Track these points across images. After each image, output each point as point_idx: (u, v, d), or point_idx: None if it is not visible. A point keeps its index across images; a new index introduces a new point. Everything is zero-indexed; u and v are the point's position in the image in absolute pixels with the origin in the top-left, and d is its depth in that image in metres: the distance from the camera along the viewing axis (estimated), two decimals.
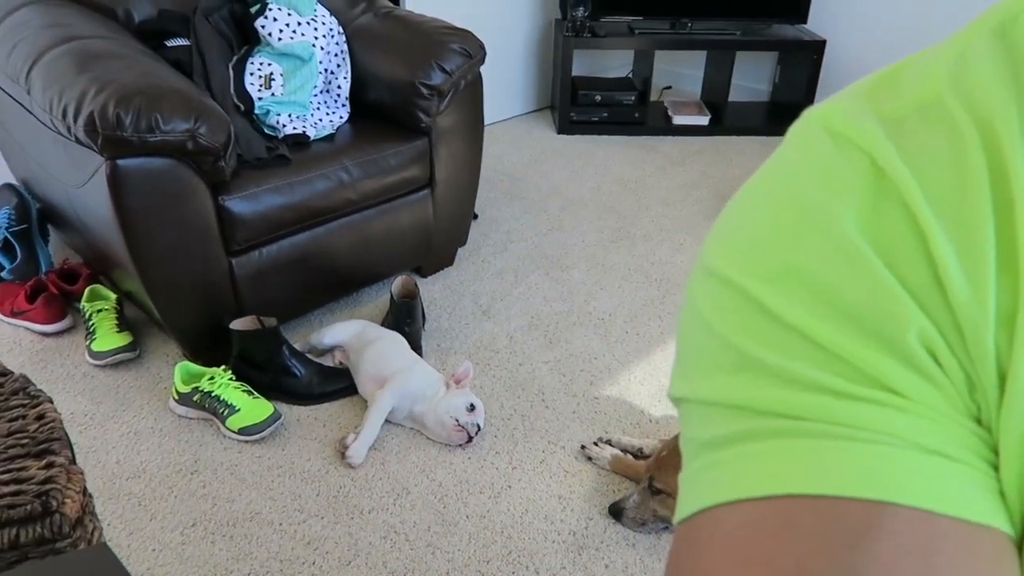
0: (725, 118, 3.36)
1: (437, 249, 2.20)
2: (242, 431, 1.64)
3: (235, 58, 1.91)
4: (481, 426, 1.65)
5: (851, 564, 0.27)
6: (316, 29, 1.93)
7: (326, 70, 1.98)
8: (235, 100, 1.87)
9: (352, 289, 2.11)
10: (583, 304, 2.17)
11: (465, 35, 1.98)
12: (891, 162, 0.30)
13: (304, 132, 1.88)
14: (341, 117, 2.00)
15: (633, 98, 3.29)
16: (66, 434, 0.92)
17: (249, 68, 1.90)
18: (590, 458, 1.63)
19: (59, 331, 1.97)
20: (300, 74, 1.92)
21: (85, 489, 0.86)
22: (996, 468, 0.28)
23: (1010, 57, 0.30)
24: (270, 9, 1.87)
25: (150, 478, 1.56)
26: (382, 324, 1.97)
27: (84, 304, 1.93)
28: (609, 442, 1.66)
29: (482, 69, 2.04)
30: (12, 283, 2.04)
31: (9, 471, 0.86)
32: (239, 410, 1.65)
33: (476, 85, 2.04)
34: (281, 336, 1.76)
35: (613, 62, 3.81)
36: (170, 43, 1.88)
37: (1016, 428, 0.27)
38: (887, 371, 0.29)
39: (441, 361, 1.93)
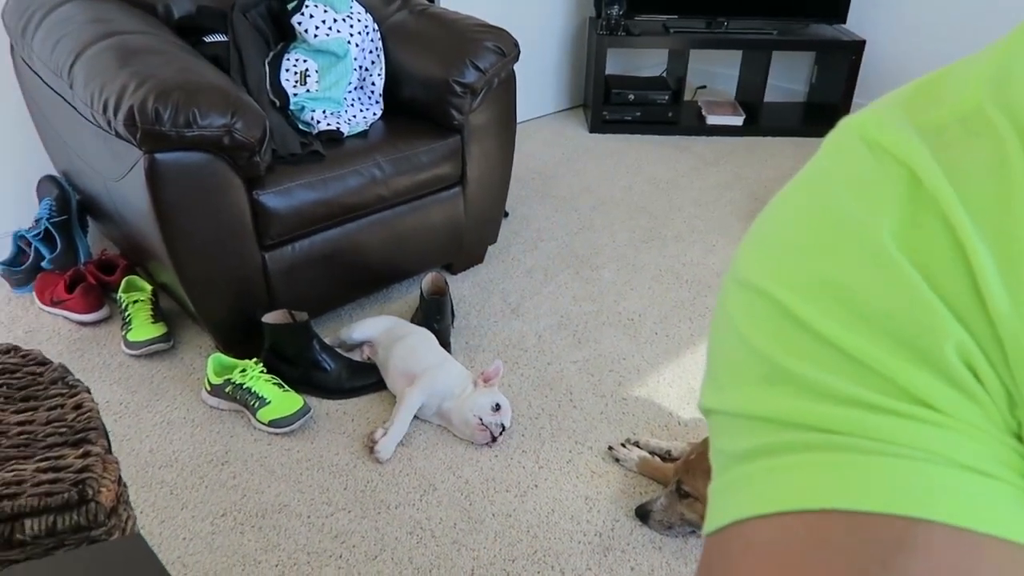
0: (760, 119, 3.33)
1: (467, 247, 2.21)
2: (272, 423, 1.66)
3: (271, 54, 1.93)
4: (507, 426, 1.66)
5: None
6: (352, 26, 1.94)
7: (361, 67, 1.99)
8: (271, 96, 1.89)
9: (382, 285, 2.12)
10: (613, 304, 2.17)
11: (499, 33, 1.98)
12: (929, 172, 0.29)
13: (338, 128, 1.89)
14: (375, 114, 2.01)
15: (667, 97, 3.27)
16: (102, 423, 0.94)
17: (285, 64, 1.91)
18: (617, 459, 1.63)
19: (96, 321, 2.01)
20: (335, 71, 1.94)
21: (120, 478, 0.88)
22: None
23: None
24: (307, 6, 1.89)
25: (182, 467, 1.59)
26: (411, 321, 1.97)
27: (121, 295, 1.97)
28: (637, 444, 1.66)
29: (515, 67, 2.03)
30: (52, 273, 2.09)
31: (47, 459, 0.88)
32: (269, 402, 1.67)
33: (509, 83, 2.04)
34: (312, 330, 1.78)
35: (647, 61, 3.79)
36: (208, 39, 1.90)
37: None
38: (923, 385, 0.28)
39: (469, 359, 1.93)
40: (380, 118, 2.03)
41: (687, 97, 3.58)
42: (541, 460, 1.64)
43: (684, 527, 1.44)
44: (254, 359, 1.75)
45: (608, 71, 3.35)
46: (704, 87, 3.78)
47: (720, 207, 2.72)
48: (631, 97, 3.26)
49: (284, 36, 1.96)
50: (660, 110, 3.28)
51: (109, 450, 0.92)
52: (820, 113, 3.37)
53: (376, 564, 1.40)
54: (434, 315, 1.93)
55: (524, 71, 3.22)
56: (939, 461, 0.27)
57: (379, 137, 1.95)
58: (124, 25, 1.73)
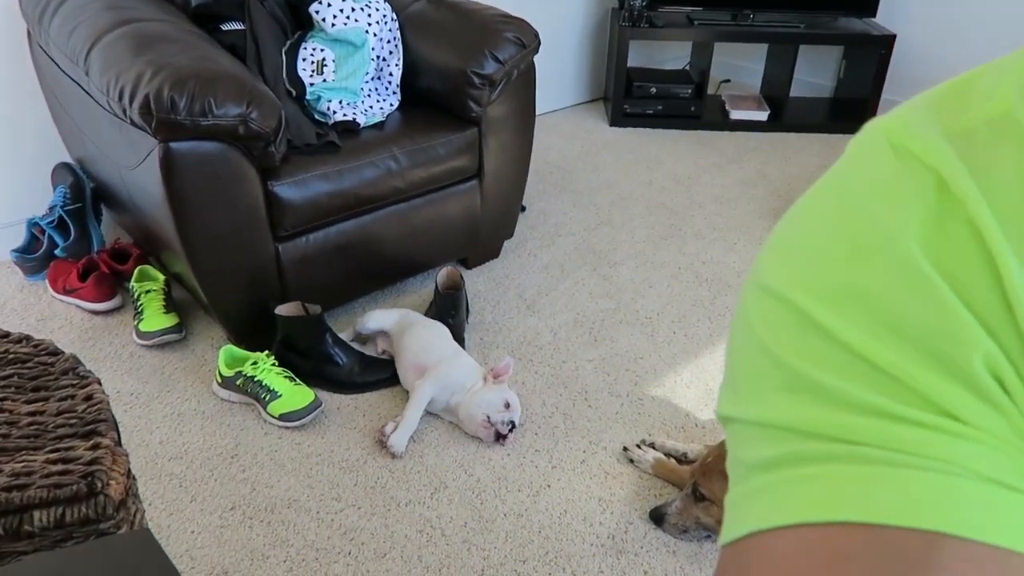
0: (785, 114, 3.30)
1: (483, 241, 2.21)
2: (283, 417, 1.67)
3: (288, 43, 1.94)
4: (516, 423, 1.65)
5: None
6: (370, 15, 1.94)
7: (378, 57, 1.99)
8: (287, 85, 1.90)
9: (397, 278, 2.13)
10: (630, 302, 2.16)
11: (520, 24, 1.98)
12: (957, 178, 0.29)
13: (354, 119, 1.90)
14: (391, 104, 2.01)
15: (689, 91, 3.25)
16: (113, 416, 0.95)
17: (302, 53, 1.92)
18: (632, 460, 1.62)
19: (108, 310, 2.03)
20: (352, 60, 1.94)
21: (129, 471, 0.88)
22: None
23: None
24: None
25: (191, 460, 1.60)
26: (425, 315, 1.98)
27: (133, 284, 1.98)
28: (652, 445, 1.65)
29: (535, 58, 2.03)
30: (65, 261, 2.11)
31: (57, 450, 0.89)
32: (280, 396, 1.68)
33: (529, 75, 2.03)
34: (325, 323, 1.79)
35: (670, 54, 3.77)
36: (225, 27, 1.91)
37: None
38: (949, 396, 0.28)
39: (483, 355, 1.93)
40: (397, 109, 2.03)
41: (710, 91, 3.56)
42: (554, 460, 1.64)
43: (699, 531, 1.43)
44: (266, 352, 1.76)
45: (630, 64, 3.33)
46: (728, 81, 3.75)
47: (742, 205, 2.70)
48: (653, 90, 3.25)
49: (301, 25, 1.97)
50: (682, 104, 3.26)
51: (119, 442, 0.92)
52: (848, 109, 3.34)
53: (385, 562, 1.40)
54: (448, 310, 1.93)
55: (544, 63, 3.21)
56: (965, 474, 0.27)
57: (396, 128, 1.95)
58: (141, 12, 1.74)
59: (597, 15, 3.38)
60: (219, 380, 1.75)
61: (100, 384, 1.00)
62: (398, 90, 2.04)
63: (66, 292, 2.04)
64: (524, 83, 2.03)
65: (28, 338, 1.07)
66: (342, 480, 1.57)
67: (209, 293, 1.73)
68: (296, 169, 1.72)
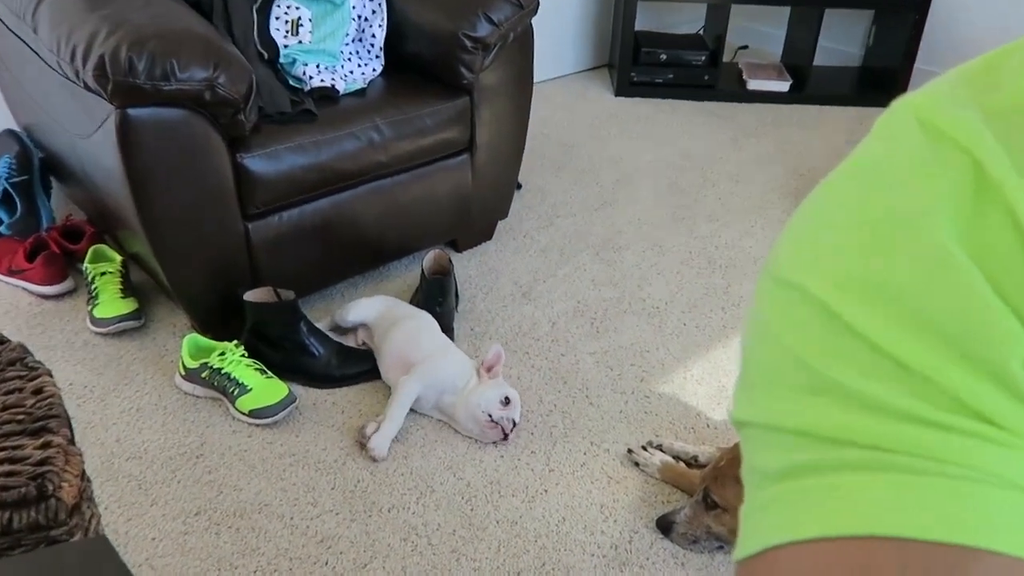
0: (808, 84, 3.29)
1: (475, 221, 2.20)
2: (253, 413, 1.67)
3: (260, 0, 1.93)
4: (517, 421, 1.66)
5: None
6: None
7: (359, 16, 1.98)
8: (258, 47, 1.89)
9: (379, 262, 2.12)
10: (636, 290, 2.16)
11: None
12: (994, 160, 0.29)
13: (333, 85, 1.89)
14: (374, 70, 2.00)
15: (703, 58, 3.24)
16: (65, 411, 0.95)
17: (275, 12, 1.90)
18: (637, 464, 1.63)
19: (59, 294, 2.02)
20: (331, 20, 1.93)
21: (84, 472, 0.88)
22: None
23: None
24: None
25: (152, 460, 1.60)
26: (410, 302, 1.98)
27: (87, 265, 1.97)
28: (660, 447, 1.66)
29: (533, 20, 2.02)
30: (11, 239, 2.09)
31: (3, 450, 0.88)
32: (250, 390, 1.68)
33: (526, 38, 2.02)
34: (299, 311, 1.79)
35: (682, 16, 3.75)
36: None
37: None
38: (985, 398, 0.28)
39: (474, 347, 1.93)
40: (380, 75, 2.02)
41: (726, 58, 3.54)
42: (552, 462, 1.64)
43: (711, 541, 1.44)
44: (234, 341, 1.75)
45: (638, 27, 3.32)
46: (746, 47, 3.75)
47: (760, 184, 2.70)
48: (663, 57, 3.24)
49: None
50: (695, 72, 3.25)
51: (72, 441, 0.92)
52: (877, 80, 3.34)
53: (366, 573, 1.41)
54: (436, 297, 1.93)
55: (543, 25, 3.18)
56: (1000, 483, 0.27)
57: (379, 96, 1.94)
58: None
59: None
60: (182, 372, 1.75)
61: (51, 376, 1.00)
62: (381, 54, 2.03)
63: (12, 274, 2.03)
64: (521, 47, 2.02)
65: None
66: (318, 483, 1.57)
67: (171, 276, 1.72)
68: (268, 140, 1.71)
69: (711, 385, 1.85)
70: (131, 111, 1.50)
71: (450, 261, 2.01)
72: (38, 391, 0.96)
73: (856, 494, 0.29)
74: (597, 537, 1.49)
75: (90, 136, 1.65)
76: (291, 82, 1.89)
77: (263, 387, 1.69)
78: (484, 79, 1.98)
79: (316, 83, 1.88)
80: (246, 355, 1.74)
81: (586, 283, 2.18)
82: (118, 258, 1.99)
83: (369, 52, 2.02)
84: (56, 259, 2.02)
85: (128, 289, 1.95)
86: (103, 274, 1.94)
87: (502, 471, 1.61)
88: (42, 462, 0.87)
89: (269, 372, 1.74)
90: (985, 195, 0.29)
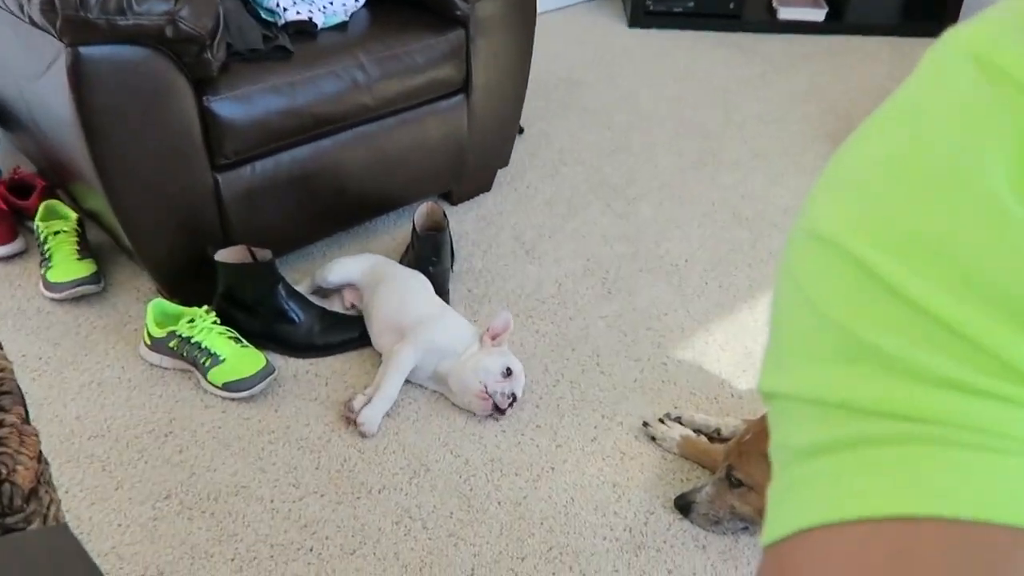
0: (847, 12, 3.26)
1: (472, 170, 2.19)
2: (227, 386, 1.67)
3: None
4: (518, 396, 1.66)
5: None
6: None
7: None
8: None
9: (365, 217, 2.12)
10: (652, 246, 2.16)
11: None
12: None
13: (310, 18, 1.87)
14: (356, 1, 1.98)
15: None
16: (18, 387, 0.95)
17: None
18: (654, 438, 1.64)
19: (8, 255, 2.02)
20: None
21: (40, 454, 0.89)
22: None
23: None
24: None
25: (116, 439, 1.61)
26: (401, 262, 1.97)
27: (38, 224, 1.97)
28: (679, 419, 1.67)
29: None
30: None
31: None
32: (224, 361, 1.68)
33: None
34: (276, 272, 1.78)
35: None
36: None
37: None
38: None
39: (472, 310, 1.94)
40: (363, 6, 2.00)
41: None
42: (559, 437, 1.65)
43: (735, 522, 1.45)
44: (205, 307, 1.76)
45: None
46: None
47: (791, 125, 2.68)
48: None
49: None
50: (719, 0, 3.21)
51: (27, 419, 0.92)
52: (924, 7, 3.30)
53: (355, 560, 1.42)
54: (429, 256, 1.93)
55: None
56: None
57: (362, 30, 1.92)
58: None
59: None
60: (148, 342, 1.75)
61: (1, 348, 1.00)
62: None
63: None
64: None
65: None
66: (301, 462, 1.58)
67: (133, 235, 1.72)
68: (238, 81, 1.69)
69: (736, 351, 1.85)
70: (83, 50, 1.49)
71: (444, 215, 2.00)
72: None
73: (896, 471, 0.29)
74: (609, 519, 1.50)
75: (38, 79, 1.64)
76: (263, 15, 1.87)
77: (238, 357, 1.69)
78: (481, 9, 1.95)
79: (291, 16, 1.86)
80: (218, 322, 1.74)
81: (596, 238, 2.17)
82: (73, 215, 1.98)
83: None
84: (4, 217, 2.01)
85: (85, 250, 1.95)
86: (56, 233, 1.94)
87: (504, 448, 1.62)
88: None
89: (244, 341, 1.74)
90: None
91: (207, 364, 1.69)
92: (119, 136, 1.59)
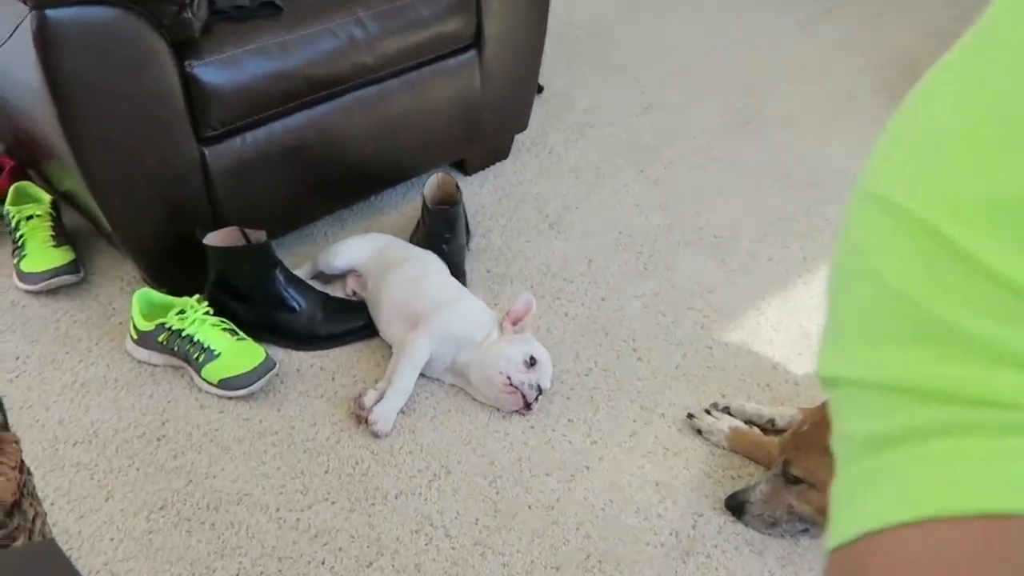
0: None
1: (487, 136, 2.19)
2: (223, 383, 1.68)
3: None
4: (545, 387, 1.67)
5: None
6: None
7: None
8: None
9: (370, 192, 2.12)
10: (692, 215, 2.15)
11: None
12: None
13: None
14: None
15: None
16: None
17: None
18: (700, 431, 1.64)
19: None
20: None
21: (22, 463, 0.89)
22: None
23: None
24: None
25: (104, 444, 1.62)
26: (410, 241, 1.98)
27: (8, 208, 1.98)
28: (727, 409, 1.66)
29: None
30: None
31: None
32: (219, 355, 1.69)
33: None
34: (273, 255, 1.79)
35: None
36: None
37: None
38: None
39: (491, 293, 1.94)
40: None
41: None
42: (594, 432, 1.65)
43: (793, 524, 1.45)
44: (196, 296, 1.76)
45: None
46: None
47: (846, 76, 2.66)
48: None
49: None
50: None
51: (6, 425, 0.93)
52: None
53: (371, 573, 1.43)
54: (442, 233, 1.93)
55: None
56: None
57: None
58: None
59: None
60: (134, 336, 1.76)
61: None
62: None
63: None
64: None
65: None
66: (308, 466, 1.59)
67: (112, 217, 1.73)
68: (223, 43, 1.69)
69: (790, 331, 1.85)
70: (50, 12, 1.49)
71: (457, 187, 2.00)
72: None
73: (978, 462, 0.29)
74: (653, 522, 1.50)
75: (2, 45, 1.64)
76: None
77: (234, 351, 1.70)
78: None
79: None
80: (211, 312, 1.75)
81: (629, 208, 2.17)
82: (47, 198, 2.00)
83: None
84: None
85: (61, 236, 1.96)
86: (29, 218, 1.95)
87: (533, 446, 1.63)
88: None
89: (240, 332, 1.75)
90: None
91: (201, 359, 1.70)
92: (93, 107, 1.59)
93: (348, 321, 1.82)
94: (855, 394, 0.33)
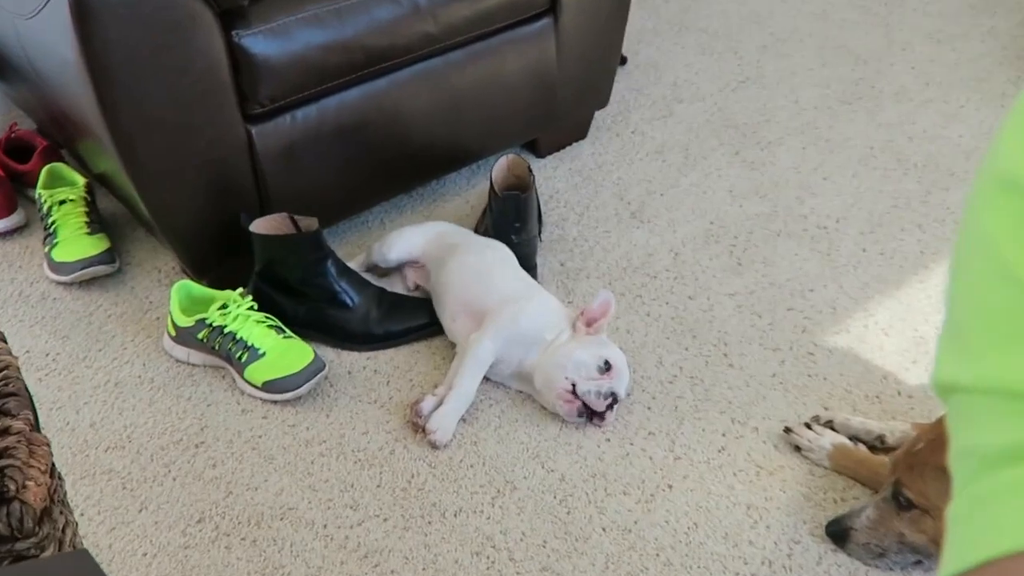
0: None
1: (562, 113, 2.19)
2: (268, 386, 1.71)
3: None
4: (621, 396, 1.66)
5: None
6: None
7: None
8: None
9: (431, 175, 2.13)
10: (794, 203, 2.13)
11: None
12: None
13: None
14: None
15: None
16: (26, 388, 0.98)
17: None
18: (799, 447, 1.62)
19: (6, 231, 2.08)
20: None
21: (53, 467, 0.91)
22: None
23: None
24: None
25: (138, 451, 1.66)
26: (475, 230, 1.98)
27: (40, 192, 2.02)
28: (830, 424, 1.64)
29: None
30: None
31: None
32: (263, 355, 1.71)
33: None
34: (325, 245, 1.80)
35: None
36: None
37: None
38: None
39: (565, 289, 1.94)
40: None
41: None
42: (678, 448, 1.65)
43: (904, 554, 1.43)
44: (239, 289, 1.79)
45: None
46: None
47: (972, 45, 2.60)
48: None
49: None
50: None
51: (36, 426, 0.95)
52: None
53: None
54: (511, 222, 1.93)
55: None
56: None
57: None
58: None
59: None
60: (172, 333, 1.79)
61: (5, 342, 1.03)
62: None
63: None
64: None
65: None
66: (359, 479, 1.61)
67: (151, 202, 1.75)
68: (273, 11, 1.71)
69: (903, 336, 1.82)
70: None
71: (529, 171, 2.00)
72: None
73: None
74: (743, 549, 1.49)
75: (35, 15, 1.67)
76: None
77: (280, 350, 1.72)
78: None
79: None
80: (256, 307, 1.77)
81: (722, 195, 2.15)
82: (81, 181, 2.03)
83: None
84: (1, 185, 2.07)
85: (96, 222, 2.00)
86: (62, 203, 1.99)
87: (608, 461, 1.62)
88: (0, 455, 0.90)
89: (288, 330, 1.77)
90: None
91: (244, 359, 1.72)
92: (131, 81, 1.61)
93: (407, 319, 1.83)
94: (978, 403, 0.33)
